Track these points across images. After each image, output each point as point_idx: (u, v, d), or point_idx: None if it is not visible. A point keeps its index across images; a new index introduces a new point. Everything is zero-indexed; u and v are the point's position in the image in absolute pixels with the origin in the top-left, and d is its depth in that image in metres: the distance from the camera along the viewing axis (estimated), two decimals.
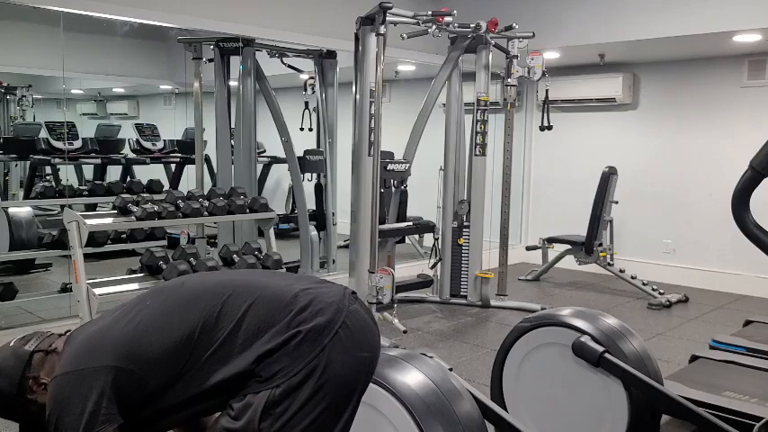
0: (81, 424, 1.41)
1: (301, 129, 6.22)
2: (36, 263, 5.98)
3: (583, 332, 2.69)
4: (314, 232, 6.10)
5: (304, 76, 6.27)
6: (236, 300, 1.51)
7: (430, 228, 5.58)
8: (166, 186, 6.54)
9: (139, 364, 1.46)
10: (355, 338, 1.51)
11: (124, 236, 5.30)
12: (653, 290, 5.87)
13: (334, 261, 6.16)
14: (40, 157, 6.54)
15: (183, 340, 1.47)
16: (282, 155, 6.00)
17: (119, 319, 1.56)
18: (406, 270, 5.90)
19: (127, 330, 1.51)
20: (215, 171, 5.91)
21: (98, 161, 7.13)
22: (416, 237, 7.07)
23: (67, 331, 1.65)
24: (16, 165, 7.51)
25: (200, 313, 1.49)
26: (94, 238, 4.86)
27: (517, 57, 5.39)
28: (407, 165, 5.34)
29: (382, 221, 5.26)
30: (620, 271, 6.03)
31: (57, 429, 1.43)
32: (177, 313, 1.51)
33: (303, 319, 1.46)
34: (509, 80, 5.45)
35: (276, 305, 1.49)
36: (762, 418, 2.60)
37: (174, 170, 7.39)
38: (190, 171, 6.61)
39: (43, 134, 6.66)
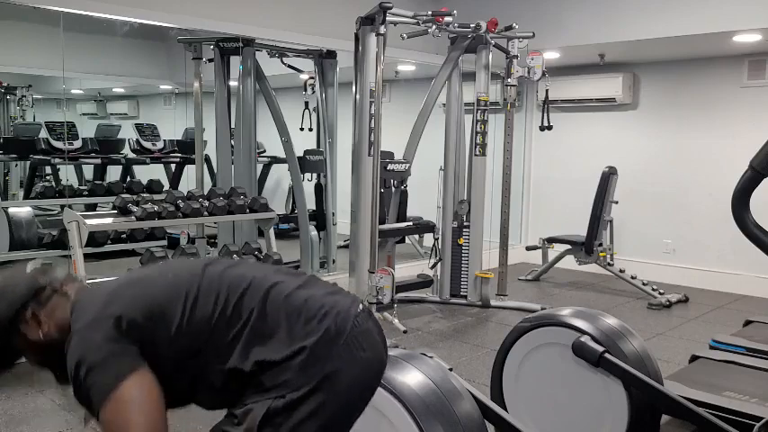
0: (112, 368, 1.39)
1: (301, 129, 6.22)
2: None
3: (583, 332, 2.69)
4: (314, 232, 6.10)
5: (304, 76, 6.27)
6: (250, 295, 1.50)
7: (430, 228, 5.58)
8: (166, 186, 6.55)
9: (156, 323, 1.46)
10: (361, 354, 1.50)
11: (124, 236, 5.30)
12: (653, 290, 5.87)
13: (334, 261, 6.16)
14: (40, 157, 6.55)
15: (202, 323, 1.47)
16: (282, 155, 6.00)
17: (144, 278, 1.57)
18: (406, 270, 5.90)
19: (152, 292, 1.51)
20: (215, 171, 5.91)
21: (98, 161, 7.13)
22: (416, 237, 7.07)
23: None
24: (16, 165, 7.51)
25: (218, 302, 1.49)
26: (94, 238, 4.86)
27: (517, 57, 5.39)
28: (407, 165, 5.34)
29: (382, 221, 5.26)
30: (620, 271, 6.03)
31: (87, 378, 1.40)
32: (201, 300, 1.50)
33: (310, 330, 1.45)
34: (509, 80, 5.46)
35: (285, 309, 1.48)
36: (762, 418, 2.61)
37: (174, 170, 7.39)
38: (190, 171, 6.61)
39: (43, 134, 6.66)
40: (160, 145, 7.35)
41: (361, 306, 1.55)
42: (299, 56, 6.04)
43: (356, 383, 1.50)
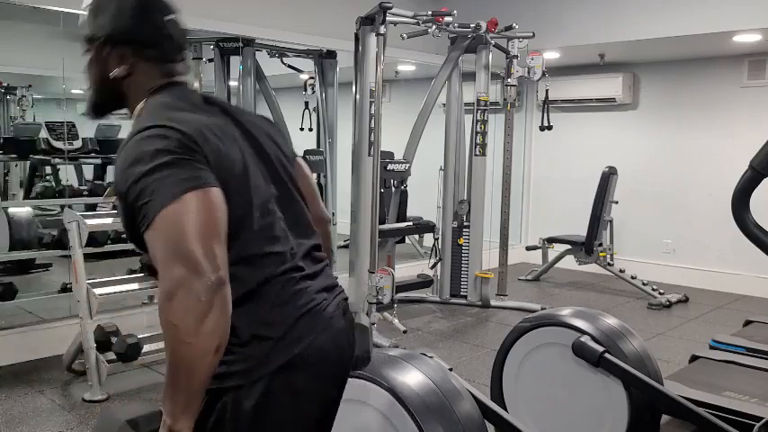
0: (188, 173, 1.22)
1: (301, 129, 6.22)
2: (36, 263, 5.97)
3: (583, 332, 2.69)
4: None
5: (304, 76, 6.27)
6: (276, 261, 1.41)
7: (430, 228, 5.58)
8: None
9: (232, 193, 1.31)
10: (325, 355, 1.44)
11: (124, 236, 5.30)
12: (653, 290, 5.87)
13: (334, 261, 6.15)
14: (40, 157, 6.53)
15: (243, 235, 1.34)
16: None
17: (230, 151, 1.37)
18: (406, 270, 5.90)
19: (235, 167, 1.35)
20: None
21: (98, 161, 7.12)
22: (416, 237, 7.07)
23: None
24: (16, 165, 7.50)
25: (261, 231, 1.39)
26: (94, 238, 4.85)
27: (517, 57, 5.40)
28: (407, 165, 5.34)
29: (382, 221, 5.26)
30: (620, 271, 6.03)
31: (154, 172, 1.22)
32: (256, 219, 1.38)
33: (284, 326, 1.38)
34: (509, 80, 5.46)
35: (278, 294, 1.41)
36: (762, 418, 2.60)
37: None
38: None
39: (43, 134, 6.65)
40: None
41: (338, 303, 1.50)
42: (299, 56, 6.04)
43: (312, 384, 1.44)
